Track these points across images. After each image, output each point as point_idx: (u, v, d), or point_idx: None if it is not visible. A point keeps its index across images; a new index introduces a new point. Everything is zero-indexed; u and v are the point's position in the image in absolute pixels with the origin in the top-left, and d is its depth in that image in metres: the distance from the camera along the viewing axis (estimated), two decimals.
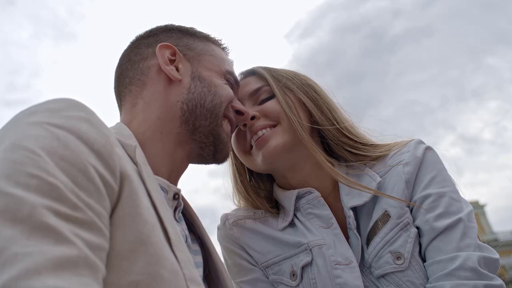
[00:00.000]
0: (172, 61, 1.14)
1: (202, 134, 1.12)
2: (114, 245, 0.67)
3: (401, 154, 1.32)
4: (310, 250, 1.28)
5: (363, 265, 1.26)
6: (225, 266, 1.26)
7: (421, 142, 1.35)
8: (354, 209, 1.31)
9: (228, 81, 1.22)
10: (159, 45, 1.13)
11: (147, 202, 0.79)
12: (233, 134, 1.41)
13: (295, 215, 1.39)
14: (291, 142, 1.33)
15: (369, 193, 1.27)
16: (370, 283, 1.23)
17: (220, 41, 1.29)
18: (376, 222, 1.25)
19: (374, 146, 1.40)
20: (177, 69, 1.13)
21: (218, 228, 1.49)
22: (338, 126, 1.36)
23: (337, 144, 1.37)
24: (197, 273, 0.82)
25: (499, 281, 1.08)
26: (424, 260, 1.20)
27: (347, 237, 1.30)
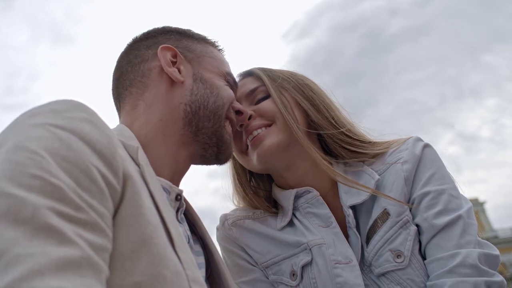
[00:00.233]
0: (173, 63, 1.14)
1: (205, 135, 1.13)
2: (117, 246, 0.67)
3: (399, 152, 1.33)
4: (310, 249, 1.28)
5: (363, 264, 1.26)
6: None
7: (419, 139, 1.35)
8: (353, 207, 1.31)
9: (228, 82, 1.23)
10: (160, 46, 1.13)
11: (150, 203, 0.79)
12: None
13: (294, 214, 1.39)
14: (286, 141, 1.33)
15: (367, 192, 1.27)
16: (371, 282, 1.23)
17: (216, 43, 1.30)
18: (375, 220, 1.25)
19: (372, 143, 1.41)
20: (178, 71, 1.13)
21: (217, 229, 1.49)
22: (335, 124, 1.36)
23: (334, 142, 1.37)
24: (200, 274, 0.83)
25: (499, 278, 1.08)
26: (424, 258, 1.20)
27: (346, 236, 1.30)
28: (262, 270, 1.37)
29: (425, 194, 1.22)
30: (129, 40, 1.24)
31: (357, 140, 1.39)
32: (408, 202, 1.25)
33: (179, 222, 1.03)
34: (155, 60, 1.14)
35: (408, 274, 1.17)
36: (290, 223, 1.39)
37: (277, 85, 1.40)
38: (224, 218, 1.48)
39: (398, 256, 1.18)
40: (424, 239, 1.20)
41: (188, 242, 1.02)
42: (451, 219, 1.16)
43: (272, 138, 1.33)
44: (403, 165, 1.28)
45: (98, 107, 1.16)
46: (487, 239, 1.21)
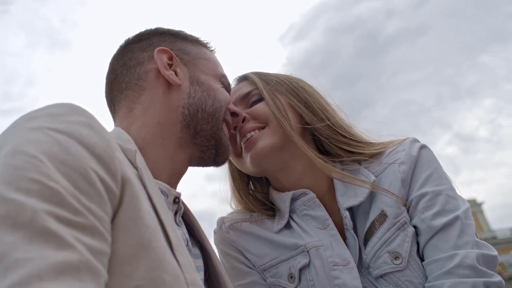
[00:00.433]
0: (169, 66, 1.13)
1: (203, 138, 1.13)
2: (116, 250, 0.66)
3: (396, 153, 1.33)
4: (308, 251, 1.27)
5: (361, 266, 1.25)
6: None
7: (416, 140, 1.35)
8: (351, 209, 1.31)
9: (223, 84, 1.23)
10: (157, 49, 1.13)
11: (148, 206, 0.79)
12: None
13: (291, 217, 1.39)
14: (280, 143, 1.33)
15: (364, 187, 1.28)
16: (369, 284, 1.22)
17: (209, 44, 1.30)
18: (373, 222, 1.25)
19: (369, 144, 1.41)
20: (175, 74, 1.13)
21: (215, 232, 1.49)
22: (329, 123, 1.37)
23: (330, 142, 1.37)
24: (198, 276, 0.82)
25: (498, 278, 1.08)
26: (422, 259, 1.20)
27: (344, 238, 1.30)
28: (259, 273, 1.37)
29: (422, 195, 1.22)
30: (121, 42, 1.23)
31: (354, 140, 1.39)
32: (405, 203, 1.25)
33: (178, 225, 1.03)
34: (151, 63, 1.13)
35: (406, 275, 1.17)
36: (288, 226, 1.39)
37: (270, 88, 1.41)
38: (221, 221, 1.48)
39: (396, 257, 1.18)
40: (422, 240, 1.20)
41: (187, 245, 1.02)
42: (448, 220, 1.16)
43: (265, 140, 1.33)
44: (400, 166, 1.28)
45: (95, 112, 1.16)
46: (486, 240, 1.21)
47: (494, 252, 1.15)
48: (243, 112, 1.37)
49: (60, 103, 0.77)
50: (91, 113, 0.80)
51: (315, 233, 1.30)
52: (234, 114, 1.29)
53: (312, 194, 1.36)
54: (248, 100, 1.43)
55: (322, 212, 1.33)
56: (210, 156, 1.16)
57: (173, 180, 1.10)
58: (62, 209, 0.58)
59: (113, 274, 0.65)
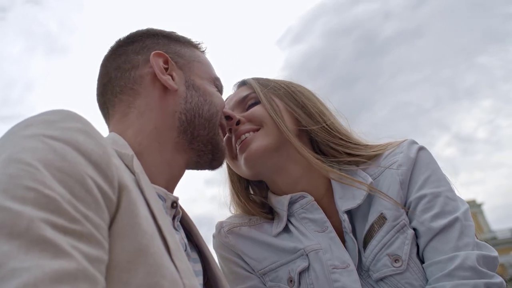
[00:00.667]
0: (165, 69, 1.12)
1: (200, 143, 1.12)
2: (114, 257, 0.66)
3: (394, 155, 1.32)
4: (307, 255, 1.27)
5: (361, 269, 1.25)
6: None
7: (414, 142, 1.35)
8: (349, 212, 1.30)
9: (217, 87, 1.23)
10: (153, 53, 1.11)
11: (146, 212, 0.78)
12: None
13: (289, 220, 1.39)
14: (274, 144, 1.33)
15: (362, 188, 1.27)
16: (369, 287, 1.22)
17: (200, 45, 1.29)
18: (372, 225, 1.24)
19: (366, 146, 1.40)
20: (171, 78, 1.12)
21: (214, 236, 1.48)
22: (325, 126, 1.36)
23: (327, 144, 1.37)
24: (197, 281, 0.82)
25: (499, 279, 1.08)
26: (422, 261, 1.19)
27: (343, 241, 1.29)
28: (259, 277, 1.36)
29: (421, 197, 1.22)
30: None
31: (351, 142, 1.39)
32: (405, 205, 1.25)
33: (176, 229, 1.02)
34: (147, 67, 1.12)
35: (407, 278, 1.16)
36: (286, 229, 1.38)
37: (267, 91, 1.41)
38: (220, 226, 1.48)
39: (396, 260, 1.18)
40: (422, 242, 1.19)
41: (185, 250, 1.01)
42: (448, 221, 1.16)
43: (258, 141, 1.33)
44: (398, 168, 1.27)
45: (93, 117, 1.15)
46: (486, 241, 1.21)
47: (495, 253, 1.14)
48: (239, 115, 1.38)
49: (55, 110, 0.77)
50: (87, 119, 0.79)
51: (314, 236, 1.30)
52: (228, 117, 1.29)
53: (310, 197, 1.35)
54: (245, 103, 1.44)
55: (320, 215, 1.33)
56: (206, 160, 1.17)
57: (171, 185, 1.10)
58: (58, 217, 0.58)
59: (111, 281, 0.64)
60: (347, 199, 1.30)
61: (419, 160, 1.28)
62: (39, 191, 0.58)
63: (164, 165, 1.06)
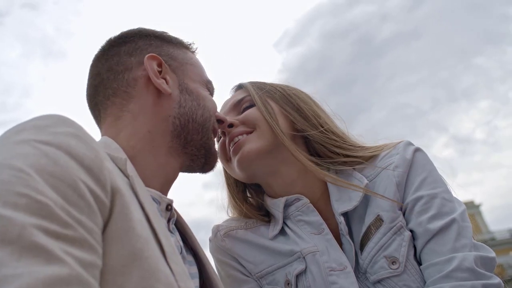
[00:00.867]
0: (159, 72, 1.11)
1: (194, 147, 1.12)
2: (108, 261, 0.65)
3: (390, 156, 1.32)
4: (304, 257, 1.27)
5: (358, 271, 1.25)
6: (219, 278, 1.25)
7: (410, 143, 1.34)
8: (345, 214, 1.30)
9: (209, 91, 1.23)
10: (147, 56, 1.10)
11: (140, 215, 0.78)
12: (218, 144, 1.44)
13: (285, 223, 1.38)
14: (268, 147, 1.32)
15: (357, 191, 1.27)
16: None
17: (192, 46, 1.28)
18: (369, 227, 1.24)
19: (362, 148, 1.40)
20: (165, 81, 1.11)
21: (210, 240, 1.48)
22: (322, 129, 1.36)
23: (323, 146, 1.36)
24: (193, 284, 0.82)
25: (497, 280, 1.08)
26: (419, 263, 1.19)
27: (340, 243, 1.29)
28: (256, 281, 1.36)
29: (418, 199, 1.22)
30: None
31: (347, 144, 1.38)
32: (401, 207, 1.25)
33: (171, 232, 1.02)
34: (140, 69, 1.10)
35: (404, 280, 1.16)
36: (283, 232, 1.38)
37: (262, 94, 1.41)
38: (217, 229, 1.47)
39: (393, 262, 1.17)
40: (419, 244, 1.19)
41: (181, 253, 1.01)
42: (445, 223, 1.15)
43: (251, 144, 1.33)
44: (394, 170, 1.27)
45: (90, 122, 1.14)
46: (485, 242, 1.20)
47: (492, 254, 1.14)
48: (233, 118, 1.38)
49: (47, 115, 0.76)
50: (84, 123, 0.79)
51: (310, 239, 1.30)
52: (220, 120, 1.29)
53: (305, 200, 1.35)
54: (240, 106, 1.44)
55: (316, 217, 1.32)
56: (199, 164, 1.17)
57: (165, 188, 1.09)
58: (51, 223, 0.57)
59: (105, 285, 0.64)
60: (343, 201, 1.30)
61: (415, 161, 1.28)
62: (31, 197, 0.58)
63: (158, 168, 1.06)
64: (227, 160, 1.42)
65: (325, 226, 1.31)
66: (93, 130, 1.11)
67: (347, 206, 1.28)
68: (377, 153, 1.36)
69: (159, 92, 1.09)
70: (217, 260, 1.44)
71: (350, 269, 1.22)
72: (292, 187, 1.37)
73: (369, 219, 1.25)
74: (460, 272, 1.07)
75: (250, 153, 1.31)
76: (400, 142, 1.36)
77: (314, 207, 1.34)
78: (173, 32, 1.25)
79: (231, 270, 1.39)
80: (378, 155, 1.35)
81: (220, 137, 1.43)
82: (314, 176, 1.35)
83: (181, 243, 1.04)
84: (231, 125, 1.36)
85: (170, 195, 1.12)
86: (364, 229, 1.25)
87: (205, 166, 1.18)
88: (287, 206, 1.37)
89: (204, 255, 1.12)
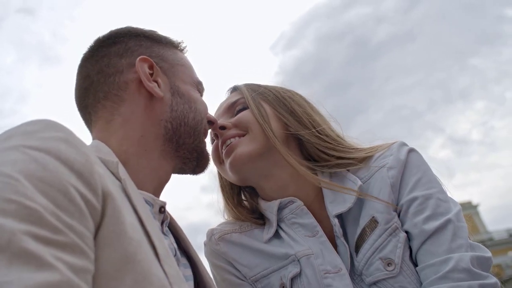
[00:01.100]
0: (150, 75, 1.10)
1: (186, 150, 1.12)
2: (100, 266, 0.65)
3: (384, 157, 1.31)
4: (298, 260, 1.26)
5: (354, 273, 1.24)
6: (214, 282, 1.24)
7: (404, 144, 1.34)
8: (340, 216, 1.29)
9: (200, 92, 1.22)
10: (138, 59, 1.08)
11: (132, 218, 0.77)
12: (212, 146, 1.44)
13: (280, 226, 1.38)
14: (260, 150, 1.32)
15: (351, 194, 1.27)
16: None
17: (181, 45, 1.26)
18: (363, 229, 1.23)
19: (356, 149, 1.39)
20: (157, 84, 1.09)
21: (205, 244, 1.47)
22: (318, 135, 1.36)
23: (317, 148, 1.36)
24: (187, 287, 0.81)
25: (493, 280, 1.07)
26: (415, 264, 1.18)
27: (335, 246, 1.28)
28: (251, 284, 1.35)
29: (413, 200, 1.21)
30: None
31: (341, 145, 1.38)
32: (396, 209, 1.24)
33: (165, 234, 1.02)
34: (131, 72, 1.09)
35: (400, 282, 1.16)
36: (277, 235, 1.37)
37: (255, 96, 1.41)
38: (211, 233, 1.46)
39: (389, 264, 1.17)
40: (415, 245, 1.18)
41: (175, 255, 1.00)
42: (440, 223, 1.15)
43: (243, 147, 1.32)
44: (388, 171, 1.27)
45: (85, 127, 1.13)
46: (483, 242, 1.21)
47: (488, 254, 1.14)
48: (227, 121, 1.38)
49: (35, 120, 0.76)
50: (74, 129, 0.78)
51: (304, 241, 1.29)
52: (210, 122, 1.28)
53: (299, 202, 1.34)
54: (234, 109, 1.43)
55: (310, 220, 1.32)
56: (191, 167, 1.17)
57: (158, 190, 1.09)
58: (40, 228, 0.57)
59: None
60: (337, 203, 1.29)
61: (409, 162, 1.28)
62: (20, 203, 0.57)
63: (151, 172, 1.05)
64: (220, 162, 1.42)
65: (319, 228, 1.30)
66: (87, 136, 1.10)
67: (341, 208, 1.27)
68: (371, 154, 1.35)
69: (151, 96, 1.08)
70: (212, 264, 1.43)
71: (345, 271, 1.21)
72: (285, 190, 1.37)
73: (363, 220, 1.25)
74: (457, 272, 1.07)
75: (242, 156, 1.31)
76: (394, 143, 1.35)
77: (308, 209, 1.34)
78: (171, 35, 1.24)
79: (226, 274, 1.38)
80: (372, 156, 1.35)
81: (213, 140, 1.43)
82: (307, 179, 1.35)
83: (175, 245, 1.04)
84: (223, 128, 1.36)
85: (168, 199, 1.11)
86: (359, 231, 1.25)
87: (197, 168, 1.18)
88: (281, 208, 1.36)
89: (198, 257, 1.12)
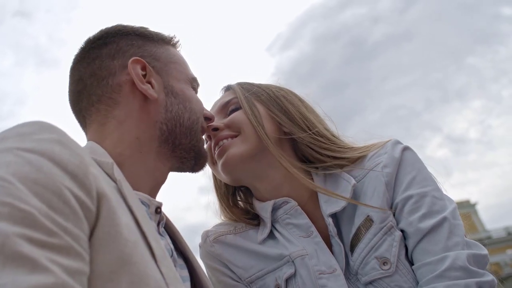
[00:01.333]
0: (143, 76, 1.08)
1: (183, 150, 1.11)
2: (96, 268, 0.65)
3: (378, 156, 1.30)
4: (293, 261, 1.25)
5: (349, 273, 1.23)
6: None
7: (398, 142, 1.33)
8: (335, 216, 1.29)
9: (194, 89, 1.21)
10: (130, 61, 1.07)
11: (128, 219, 0.77)
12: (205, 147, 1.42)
13: (274, 226, 1.37)
14: (252, 151, 1.31)
15: (344, 200, 1.25)
16: None
17: (173, 40, 1.24)
18: (359, 228, 1.23)
19: (351, 148, 1.38)
20: (151, 85, 1.08)
21: (200, 246, 1.46)
22: (309, 132, 1.34)
23: (312, 149, 1.35)
24: (184, 287, 0.81)
25: (490, 277, 1.07)
26: (411, 263, 1.18)
27: (329, 245, 1.28)
28: (246, 286, 1.34)
29: (408, 198, 1.20)
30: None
31: (336, 145, 1.37)
32: (391, 207, 1.23)
33: (161, 235, 1.01)
34: (124, 74, 1.07)
35: (396, 281, 1.15)
36: (271, 236, 1.37)
37: (248, 96, 1.40)
38: (206, 235, 1.45)
39: (385, 263, 1.16)
40: (411, 244, 1.18)
41: (172, 256, 0.99)
42: (436, 221, 1.15)
43: (234, 148, 1.32)
44: (383, 169, 1.26)
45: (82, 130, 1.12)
46: (481, 240, 1.20)
47: (484, 251, 1.14)
48: (219, 122, 1.37)
49: (29, 122, 0.75)
50: (71, 131, 0.78)
51: (299, 242, 1.28)
52: (207, 118, 1.25)
53: (293, 202, 1.33)
54: (227, 109, 1.42)
55: (304, 220, 1.31)
56: (189, 166, 1.16)
57: (154, 191, 1.08)
58: (35, 231, 0.56)
59: None
60: (332, 203, 1.28)
61: (404, 160, 1.27)
62: (14, 206, 0.57)
63: (147, 174, 1.05)
64: (213, 163, 1.41)
65: (313, 228, 1.30)
66: (83, 137, 1.10)
67: (336, 207, 1.26)
68: (366, 153, 1.35)
69: (145, 97, 1.07)
70: (207, 266, 1.42)
71: (339, 271, 1.21)
72: (279, 191, 1.36)
73: (358, 220, 1.24)
74: (454, 271, 1.07)
75: (233, 157, 1.30)
76: (388, 141, 1.35)
77: (303, 209, 1.33)
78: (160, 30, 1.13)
79: (222, 276, 1.38)
80: (367, 155, 1.34)
81: (207, 141, 1.42)
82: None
83: (171, 246, 1.03)
84: (216, 129, 1.35)
85: (166, 200, 1.11)
86: (354, 230, 1.24)
87: (195, 166, 1.17)
88: (275, 209, 1.36)
89: (195, 258, 1.11)
